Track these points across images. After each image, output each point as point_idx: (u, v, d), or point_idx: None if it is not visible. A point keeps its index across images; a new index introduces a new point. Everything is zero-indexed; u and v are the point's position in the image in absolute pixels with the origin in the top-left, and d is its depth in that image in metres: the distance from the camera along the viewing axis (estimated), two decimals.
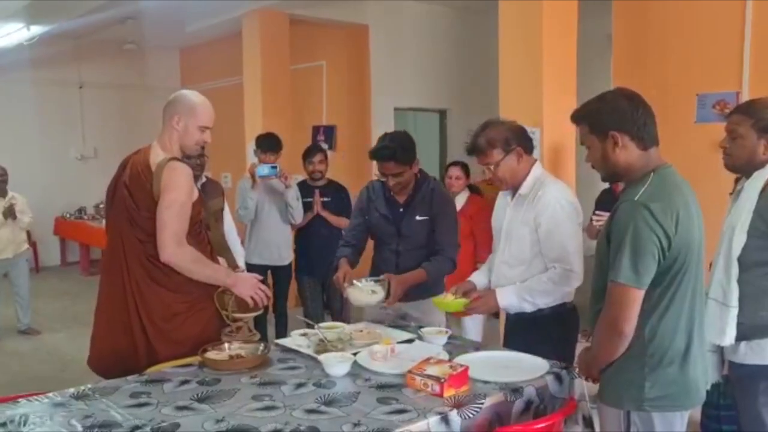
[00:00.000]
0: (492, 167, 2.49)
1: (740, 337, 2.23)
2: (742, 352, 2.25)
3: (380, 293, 2.70)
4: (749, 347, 2.24)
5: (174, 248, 2.34)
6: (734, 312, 2.21)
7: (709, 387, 2.20)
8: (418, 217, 2.88)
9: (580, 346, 2.47)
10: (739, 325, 2.21)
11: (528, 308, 2.49)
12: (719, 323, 2.23)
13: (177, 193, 2.37)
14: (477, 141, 2.50)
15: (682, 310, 1.86)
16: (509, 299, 2.48)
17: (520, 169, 2.49)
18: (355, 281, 2.75)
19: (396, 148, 2.78)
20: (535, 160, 2.56)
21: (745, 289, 2.22)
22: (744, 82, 4.26)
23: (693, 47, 4.51)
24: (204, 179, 3.91)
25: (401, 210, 2.94)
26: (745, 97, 4.22)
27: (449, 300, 2.58)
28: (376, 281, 2.75)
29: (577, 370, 2.15)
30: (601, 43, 5.71)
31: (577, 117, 2.01)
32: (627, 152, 1.90)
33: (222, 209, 3.92)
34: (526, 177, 2.51)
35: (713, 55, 4.42)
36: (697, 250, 1.87)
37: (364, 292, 2.72)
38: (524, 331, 2.55)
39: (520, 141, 2.49)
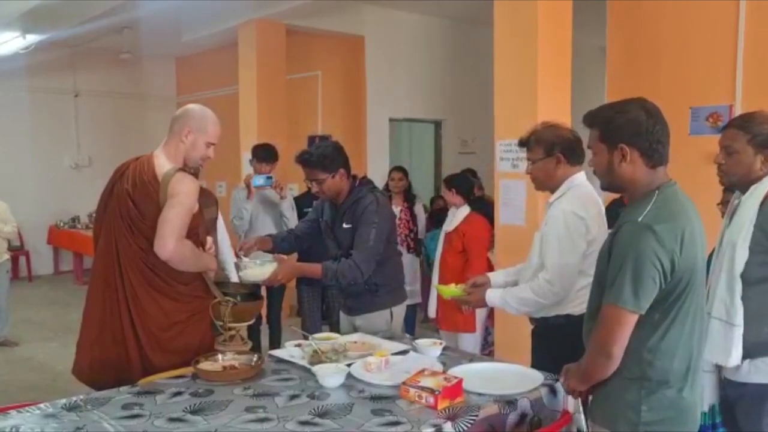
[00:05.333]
0: (530, 163, 2.56)
1: (743, 355, 2.15)
2: (745, 370, 2.16)
3: (267, 269, 2.75)
4: (753, 365, 2.15)
5: (175, 243, 2.33)
6: (739, 331, 2.13)
7: (706, 408, 2.13)
8: (344, 225, 2.96)
9: None
10: (742, 342, 2.14)
11: (511, 312, 2.52)
12: (723, 343, 2.14)
13: (183, 197, 2.39)
14: (528, 135, 2.58)
15: (683, 332, 1.80)
16: (493, 299, 2.53)
17: (557, 175, 2.51)
18: (245, 259, 2.84)
19: (312, 155, 2.91)
20: (579, 171, 2.54)
21: (748, 305, 2.14)
22: (737, 95, 4.29)
23: (686, 60, 4.55)
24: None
25: (335, 217, 3.03)
26: (738, 110, 4.25)
27: (448, 287, 2.71)
28: (266, 260, 2.84)
29: (562, 381, 2.09)
30: (595, 56, 5.75)
31: (590, 119, 1.91)
32: (633, 167, 1.82)
33: (215, 219, 3.90)
34: (561, 186, 2.52)
35: (706, 68, 4.46)
36: (700, 271, 1.82)
37: (252, 266, 2.77)
38: (550, 337, 2.55)
39: (566, 150, 2.49)
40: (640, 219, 1.75)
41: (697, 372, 1.86)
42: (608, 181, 1.91)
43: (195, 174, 3.69)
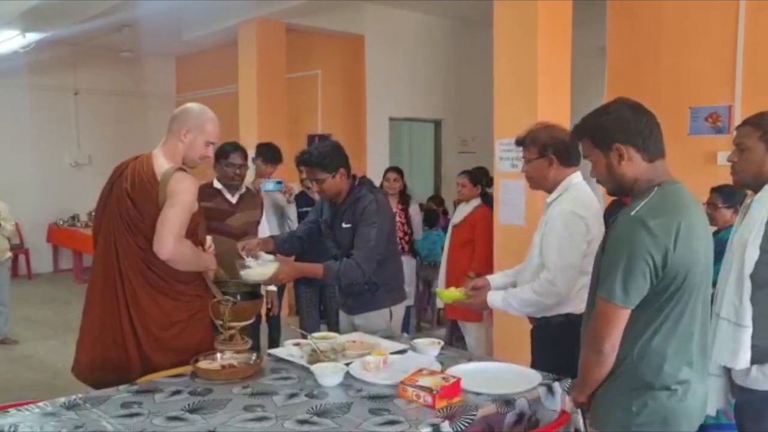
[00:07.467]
0: (525, 162, 2.59)
1: (752, 360, 2.07)
2: (754, 376, 2.08)
3: (269, 269, 2.75)
4: (761, 372, 2.07)
5: (174, 243, 2.33)
6: (748, 332, 2.07)
7: (713, 413, 2.04)
8: (344, 225, 2.96)
9: None
10: (751, 347, 2.07)
11: (513, 313, 2.52)
12: (732, 345, 2.07)
13: (183, 196, 2.39)
14: (525, 135, 2.59)
15: (675, 334, 1.75)
16: (495, 301, 2.53)
17: (550, 176, 2.52)
18: (247, 261, 2.82)
19: (312, 155, 2.91)
20: (574, 172, 2.54)
21: (758, 308, 2.06)
22: (736, 95, 4.30)
23: (686, 60, 4.55)
24: (244, 189, 3.81)
25: (334, 216, 3.02)
26: (737, 110, 4.26)
27: (448, 291, 2.69)
28: (267, 260, 2.84)
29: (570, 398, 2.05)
30: (595, 56, 5.76)
31: (579, 131, 1.92)
32: (633, 165, 1.80)
33: (258, 222, 3.85)
34: (557, 186, 2.53)
35: (706, 69, 4.47)
36: (702, 271, 1.78)
37: (254, 266, 2.76)
38: (550, 336, 2.54)
39: (558, 151, 2.50)
40: (633, 213, 1.74)
41: (698, 376, 1.79)
42: (612, 185, 1.88)
43: (241, 176, 3.66)
